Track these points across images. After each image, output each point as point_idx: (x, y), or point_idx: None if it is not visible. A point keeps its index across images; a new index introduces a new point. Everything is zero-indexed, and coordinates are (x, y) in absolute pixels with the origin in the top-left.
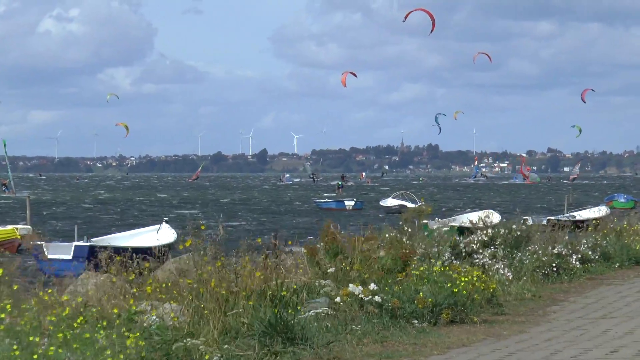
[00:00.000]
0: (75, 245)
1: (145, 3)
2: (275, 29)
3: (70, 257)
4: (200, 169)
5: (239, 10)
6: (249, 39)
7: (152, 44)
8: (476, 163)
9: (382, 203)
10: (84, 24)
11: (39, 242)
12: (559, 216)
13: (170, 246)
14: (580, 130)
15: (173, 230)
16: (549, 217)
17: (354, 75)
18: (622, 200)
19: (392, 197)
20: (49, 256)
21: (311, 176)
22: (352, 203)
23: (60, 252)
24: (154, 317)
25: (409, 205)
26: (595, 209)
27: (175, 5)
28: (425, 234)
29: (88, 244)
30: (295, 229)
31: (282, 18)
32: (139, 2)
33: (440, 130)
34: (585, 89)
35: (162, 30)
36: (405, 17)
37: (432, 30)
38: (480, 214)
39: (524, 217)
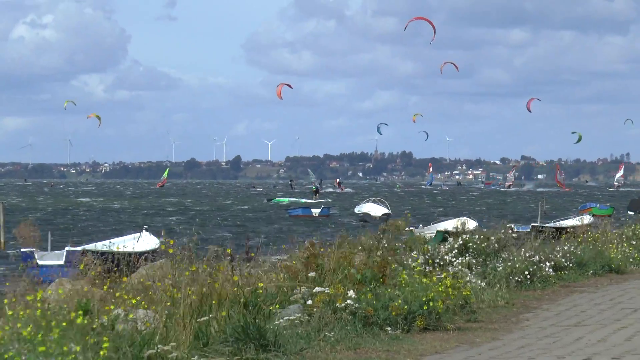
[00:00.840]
0: (67, 251)
1: (118, 10)
2: (248, 36)
3: (62, 262)
4: (165, 174)
5: (212, 17)
6: (222, 46)
7: (125, 51)
8: (430, 171)
9: (356, 210)
10: (58, 30)
11: (30, 249)
12: (543, 223)
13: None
14: (580, 138)
15: (155, 238)
16: (533, 224)
17: (290, 87)
18: (597, 206)
19: (365, 203)
20: (40, 262)
21: (289, 182)
22: (319, 210)
23: (52, 258)
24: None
25: (377, 211)
26: (579, 217)
27: (149, 11)
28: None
29: (80, 248)
30: (267, 237)
31: (255, 25)
32: (113, 8)
33: (428, 136)
34: (531, 98)
35: (135, 37)
36: (406, 26)
37: (433, 39)
38: (456, 221)
39: (509, 225)
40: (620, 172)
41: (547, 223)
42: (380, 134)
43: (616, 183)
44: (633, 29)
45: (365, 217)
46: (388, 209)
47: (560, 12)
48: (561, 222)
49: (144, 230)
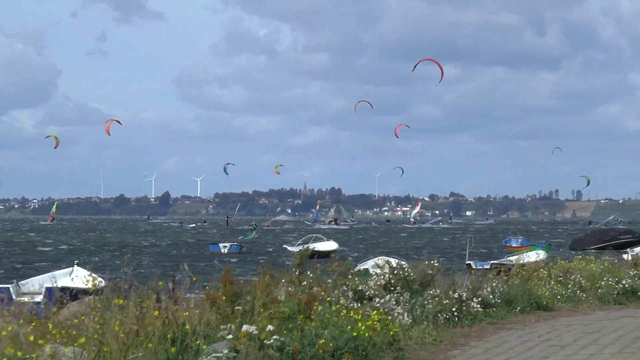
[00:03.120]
0: (46, 288)
1: (50, 45)
2: (179, 71)
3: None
4: (54, 208)
5: (143, 52)
6: (153, 81)
7: (56, 86)
8: (318, 207)
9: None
10: None
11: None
12: (502, 260)
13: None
14: (588, 181)
15: (87, 272)
16: (492, 262)
17: (119, 123)
18: (516, 244)
19: (315, 242)
20: (17, 299)
21: (226, 218)
22: (228, 246)
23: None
24: None
25: (329, 247)
26: (533, 253)
27: (80, 46)
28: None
29: (58, 285)
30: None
31: (185, 61)
32: (44, 44)
33: (403, 172)
34: (400, 124)
35: (66, 72)
36: (415, 67)
37: (440, 81)
38: (376, 260)
39: (467, 262)
40: (417, 209)
41: (505, 259)
42: (227, 174)
43: (412, 220)
44: (564, 64)
45: (320, 254)
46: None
47: (492, 48)
48: (516, 257)
49: (75, 265)
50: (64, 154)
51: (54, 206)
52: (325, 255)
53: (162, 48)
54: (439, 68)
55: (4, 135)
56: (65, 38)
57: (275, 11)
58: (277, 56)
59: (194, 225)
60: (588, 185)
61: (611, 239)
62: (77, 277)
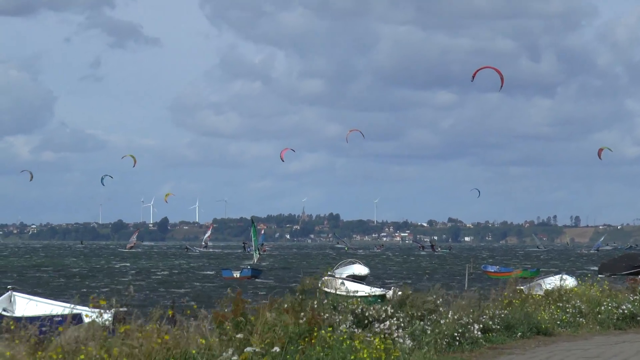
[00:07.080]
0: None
1: (45, 70)
2: (174, 97)
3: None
4: None
5: (138, 77)
6: (148, 107)
7: (52, 112)
8: (262, 232)
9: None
10: None
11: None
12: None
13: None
14: None
15: (27, 296)
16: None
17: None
18: (493, 270)
19: (348, 265)
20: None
21: (243, 244)
22: (239, 272)
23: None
24: None
25: (362, 271)
26: (556, 277)
27: (74, 72)
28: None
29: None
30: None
31: (181, 87)
32: (39, 69)
33: (479, 193)
34: (285, 148)
35: (62, 98)
36: (473, 76)
37: (501, 87)
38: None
39: (520, 287)
40: (208, 233)
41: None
42: (103, 184)
43: (203, 244)
44: (560, 91)
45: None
46: (366, 268)
47: (487, 74)
48: (543, 280)
49: (11, 291)
50: (60, 180)
51: None
52: (361, 278)
53: (157, 74)
54: (497, 74)
55: (0, 161)
56: (60, 64)
57: (270, 37)
58: (272, 82)
59: (199, 249)
60: None
61: None
62: (19, 303)
